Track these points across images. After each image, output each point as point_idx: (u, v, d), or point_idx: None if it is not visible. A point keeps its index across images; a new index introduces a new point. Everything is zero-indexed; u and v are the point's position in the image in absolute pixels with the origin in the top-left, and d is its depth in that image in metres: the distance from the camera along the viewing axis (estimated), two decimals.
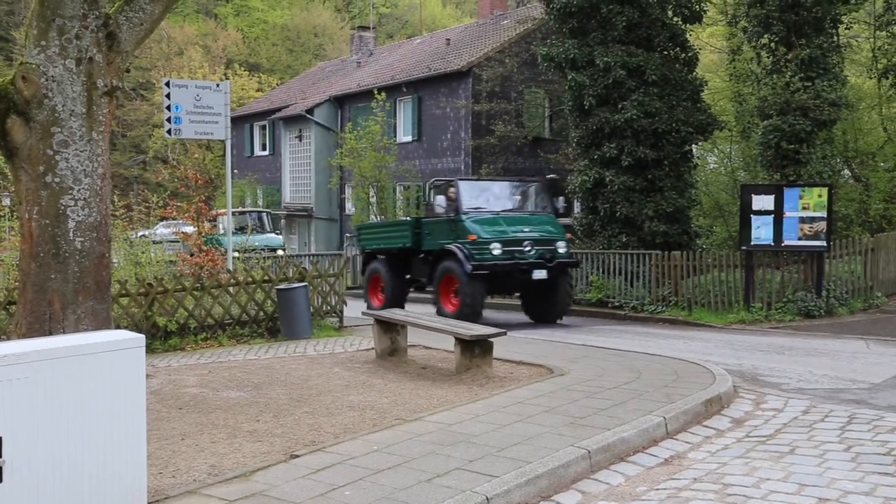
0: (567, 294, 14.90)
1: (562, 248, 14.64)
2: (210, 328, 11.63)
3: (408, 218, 19.95)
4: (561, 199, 16.19)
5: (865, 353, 10.29)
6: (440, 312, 14.32)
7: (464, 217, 14.51)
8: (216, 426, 6.51)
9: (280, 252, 23.37)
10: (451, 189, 15.06)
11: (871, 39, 19.72)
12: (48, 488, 3.87)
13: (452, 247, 14.28)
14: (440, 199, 14.85)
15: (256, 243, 21.64)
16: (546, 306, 14.92)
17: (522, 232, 14.56)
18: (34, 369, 3.83)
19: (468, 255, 13.97)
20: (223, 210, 23.83)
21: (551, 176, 23.38)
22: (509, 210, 15.31)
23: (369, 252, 17.69)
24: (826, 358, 9.93)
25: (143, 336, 4.34)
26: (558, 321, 14.89)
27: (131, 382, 4.20)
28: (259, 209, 30.79)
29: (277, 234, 25.74)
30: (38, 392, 3.84)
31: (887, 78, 18.15)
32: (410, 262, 16.43)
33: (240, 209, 29.35)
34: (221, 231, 21.79)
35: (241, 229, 23.18)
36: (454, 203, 14.67)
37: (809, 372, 8.86)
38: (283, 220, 34.10)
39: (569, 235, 15.40)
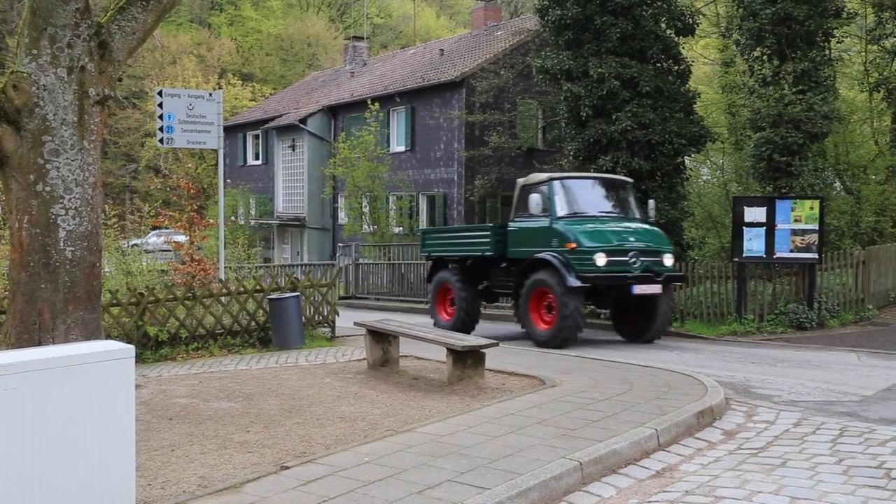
0: None
1: None
2: (201, 338, 11.58)
3: None
4: None
5: (857, 366, 10.30)
6: None
7: None
8: (206, 437, 6.47)
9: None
10: None
11: (863, 53, 19.88)
12: (35, 500, 3.83)
13: None
14: None
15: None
16: None
17: None
18: (22, 380, 3.80)
19: None
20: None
21: None
22: None
23: None
24: (818, 370, 9.94)
25: (132, 347, 4.31)
26: None
27: (121, 393, 4.17)
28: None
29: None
30: (26, 403, 3.81)
31: (878, 91, 18.29)
32: None
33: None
34: None
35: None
36: None
37: (801, 384, 8.86)
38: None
39: None
